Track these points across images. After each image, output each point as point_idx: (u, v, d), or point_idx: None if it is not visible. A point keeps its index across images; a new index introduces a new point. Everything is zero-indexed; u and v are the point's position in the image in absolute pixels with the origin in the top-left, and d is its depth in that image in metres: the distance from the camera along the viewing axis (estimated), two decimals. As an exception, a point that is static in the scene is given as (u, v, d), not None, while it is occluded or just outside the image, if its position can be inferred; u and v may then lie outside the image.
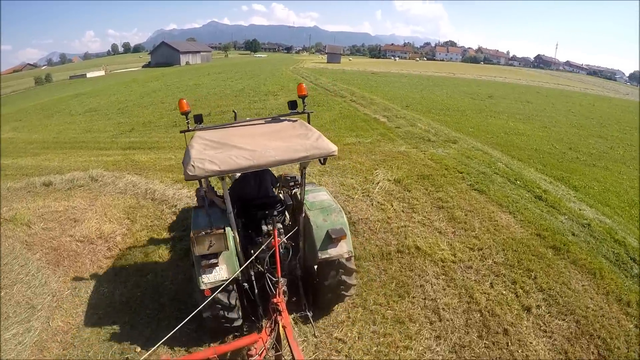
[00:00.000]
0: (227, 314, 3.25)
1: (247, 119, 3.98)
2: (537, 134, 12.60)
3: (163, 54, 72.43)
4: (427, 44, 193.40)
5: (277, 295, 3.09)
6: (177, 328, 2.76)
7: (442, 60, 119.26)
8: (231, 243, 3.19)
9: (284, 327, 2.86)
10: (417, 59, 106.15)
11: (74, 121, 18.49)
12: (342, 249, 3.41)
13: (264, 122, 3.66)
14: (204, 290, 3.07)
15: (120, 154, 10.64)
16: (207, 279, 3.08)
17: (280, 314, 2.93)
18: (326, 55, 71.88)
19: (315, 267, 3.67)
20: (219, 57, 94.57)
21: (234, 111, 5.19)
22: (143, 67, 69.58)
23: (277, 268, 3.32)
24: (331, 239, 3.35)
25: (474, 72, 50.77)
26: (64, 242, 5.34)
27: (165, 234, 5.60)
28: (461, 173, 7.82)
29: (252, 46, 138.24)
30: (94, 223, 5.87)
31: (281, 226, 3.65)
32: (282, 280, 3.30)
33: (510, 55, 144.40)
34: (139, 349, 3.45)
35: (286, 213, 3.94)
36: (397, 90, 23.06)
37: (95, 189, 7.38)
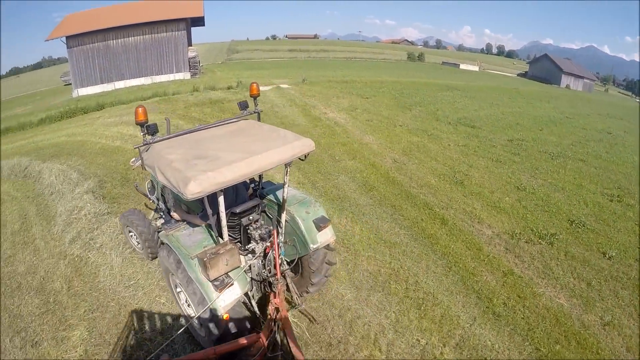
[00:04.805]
0: (241, 325, 2.99)
1: (198, 125, 3.64)
2: None
3: (543, 67, 65.92)
4: None
5: (277, 296, 3.08)
6: (177, 334, 2.88)
7: None
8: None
9: (283, 327, 2.85)
10: None
11: (441, 145, 10.17)
12: (328, 235, 3.46)
13: (217, 125, 3.53)
14: (220, 317, 2.75)
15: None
16: (224, 302, 2.72)
17: (280, 314, 2.93)
18: None
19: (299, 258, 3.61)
20: (597, 89, 73.88)
21: (166, 118, 4.33)
22: (518, 75, 66.40)
23: (276, 269, 3.28)
24: (319, 228, 3.37)
25: None
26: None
27: None
28: None
29: (637, 87, 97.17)
30: None
31: (268, 227, 3.50)
32: (281, 281, 3.28)
33: None
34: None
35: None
36: None
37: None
